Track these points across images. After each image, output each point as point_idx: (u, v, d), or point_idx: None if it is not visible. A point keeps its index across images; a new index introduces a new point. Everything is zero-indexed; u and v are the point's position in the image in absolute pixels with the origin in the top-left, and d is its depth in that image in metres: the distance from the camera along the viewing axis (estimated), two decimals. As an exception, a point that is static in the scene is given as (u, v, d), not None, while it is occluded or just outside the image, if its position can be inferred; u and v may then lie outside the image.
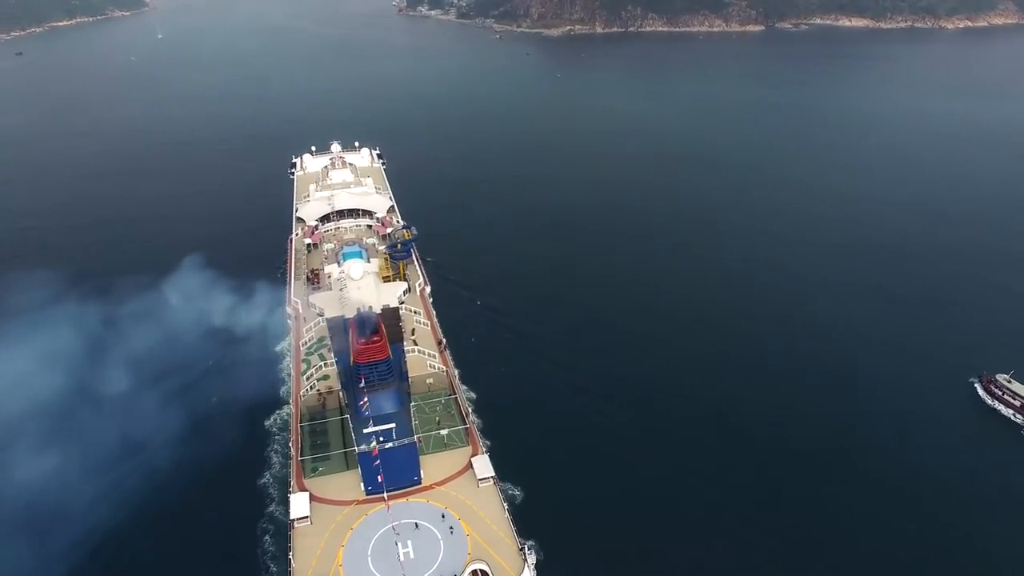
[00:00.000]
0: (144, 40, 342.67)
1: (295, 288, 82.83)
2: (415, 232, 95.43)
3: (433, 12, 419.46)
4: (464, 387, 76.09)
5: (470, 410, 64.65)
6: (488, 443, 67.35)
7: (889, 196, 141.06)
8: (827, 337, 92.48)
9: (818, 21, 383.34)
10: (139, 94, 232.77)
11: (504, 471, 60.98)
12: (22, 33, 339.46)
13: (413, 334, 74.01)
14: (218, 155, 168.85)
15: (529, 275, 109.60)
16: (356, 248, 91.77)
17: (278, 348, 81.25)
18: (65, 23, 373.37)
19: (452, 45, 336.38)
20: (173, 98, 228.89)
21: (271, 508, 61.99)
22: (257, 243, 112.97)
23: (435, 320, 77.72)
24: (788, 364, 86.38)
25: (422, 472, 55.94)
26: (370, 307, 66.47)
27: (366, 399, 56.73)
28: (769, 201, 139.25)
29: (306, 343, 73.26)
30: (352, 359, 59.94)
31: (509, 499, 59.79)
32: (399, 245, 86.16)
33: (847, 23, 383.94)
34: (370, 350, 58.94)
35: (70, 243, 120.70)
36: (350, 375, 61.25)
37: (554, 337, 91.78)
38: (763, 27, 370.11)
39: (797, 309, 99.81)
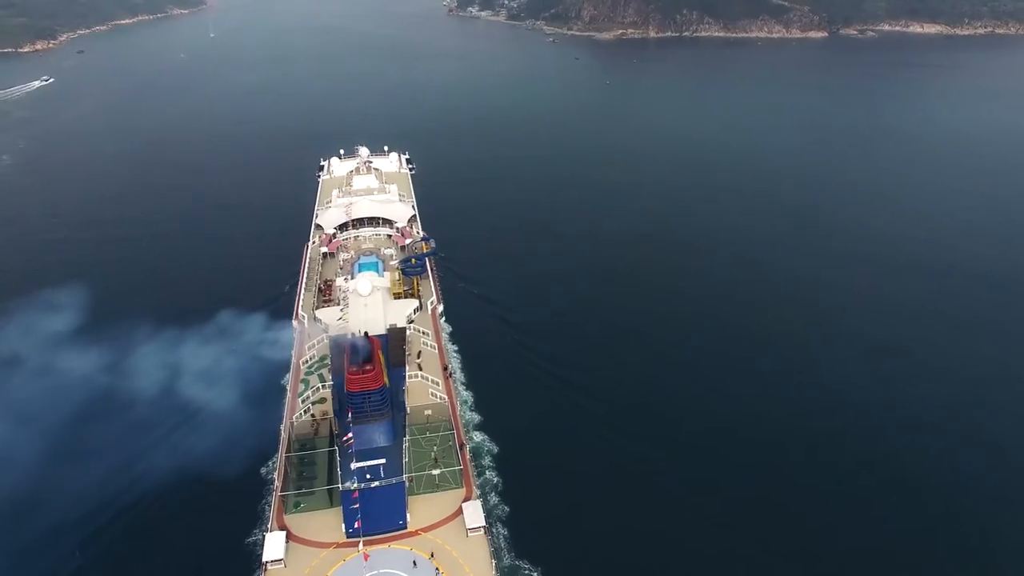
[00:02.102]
0: (197, 38, 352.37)
1: (303, 300, 79.96)
2: (434, 245, 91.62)
3: (483, 13, 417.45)
4: (476, 417, 71.92)
5: (468, 448, 59.96)
6: (496, 480, 63.53)
7: (971, 220, 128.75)
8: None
9: (886, 27, 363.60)
10: (178, 93, 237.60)
11: (504, 522, 57.70)
12: (87, 31, 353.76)
13: (419, 357, 69.96)
14: (251, 153, 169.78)
15: (567, 306, 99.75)
16: (373, 259, 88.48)
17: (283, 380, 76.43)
18: (127, 21, 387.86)
19: (499, 48, 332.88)
20: (214, 96, 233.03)
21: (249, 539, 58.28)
22: (278, 248, 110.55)
23: (443, 343, 73.53)
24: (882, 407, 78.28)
25: (408, 516, 51.73)
26: (364, 332, 62.23)
27: (350, 434, 52.67)
28: (834, 229, 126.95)
29: (307, 361, 70.11)
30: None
31: (499, 555, 54.69)
32: (414, 260, 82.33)
33: (918, 29, 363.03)
34: (362, 380, 54.91)
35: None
36: (343, 402, 57.45)
37: (588, 374, 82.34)
38: (826, 33, 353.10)
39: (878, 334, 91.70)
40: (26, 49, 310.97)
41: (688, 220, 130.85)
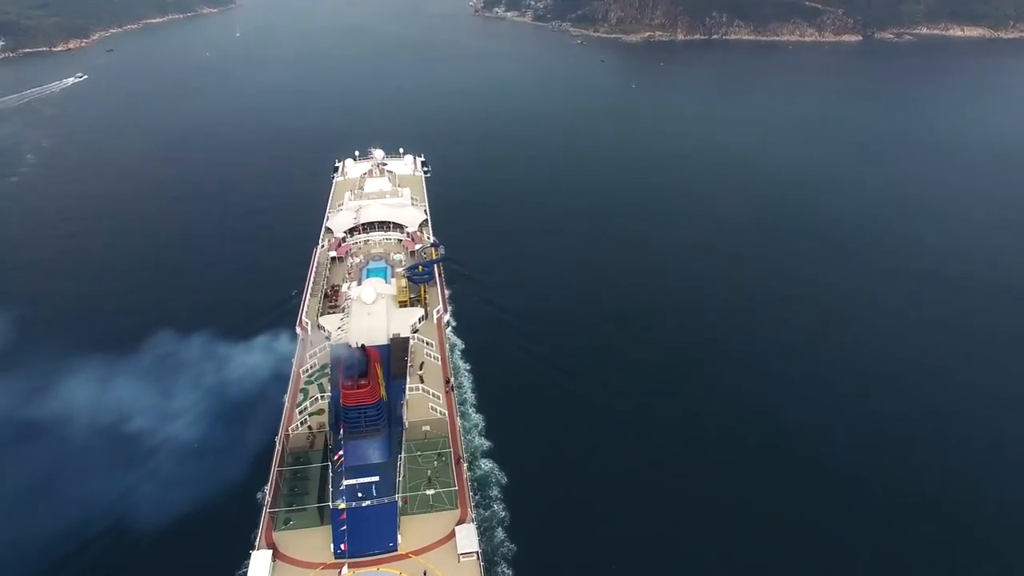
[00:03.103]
0: (223, 37, 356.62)
1: (308, 306, 78.62)
2: (443, 251, 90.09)
3: (509, 14, 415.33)
4: (485, 444, 67.69)
5: (467, 467, 57.68)
6: (504, 514, 59.26)
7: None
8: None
9: (924, 31, 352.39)
10: (200, 91, 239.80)
11: (508, 560, 54.97)
12: (119, 30, 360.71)
13: (421, 368, 68.02)
14: (269, 153, 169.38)
15: (590, 318, 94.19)
16: (382, 264, 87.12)
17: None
18: (158, 20, 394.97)
19: (523, 50, 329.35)
20: (236, 94, 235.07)
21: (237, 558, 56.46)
22: (291, 250, 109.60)
23: (447, 354, 71.37)
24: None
25: (400, 537, 49.77)
26: (361, 345, 60.29)
27: (341, 453, 50.82)
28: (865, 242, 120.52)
29: (307, 370, 68.62)
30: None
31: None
32: (421, 267, 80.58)
33: (959, 33, 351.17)
34: (358, 394, 53.05)
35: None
36: (339, 415, 55.65)
37: (614, 396, 76.47)
38: (860, 37, 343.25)
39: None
40: (59, 48, 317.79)
41: (716, 228, 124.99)
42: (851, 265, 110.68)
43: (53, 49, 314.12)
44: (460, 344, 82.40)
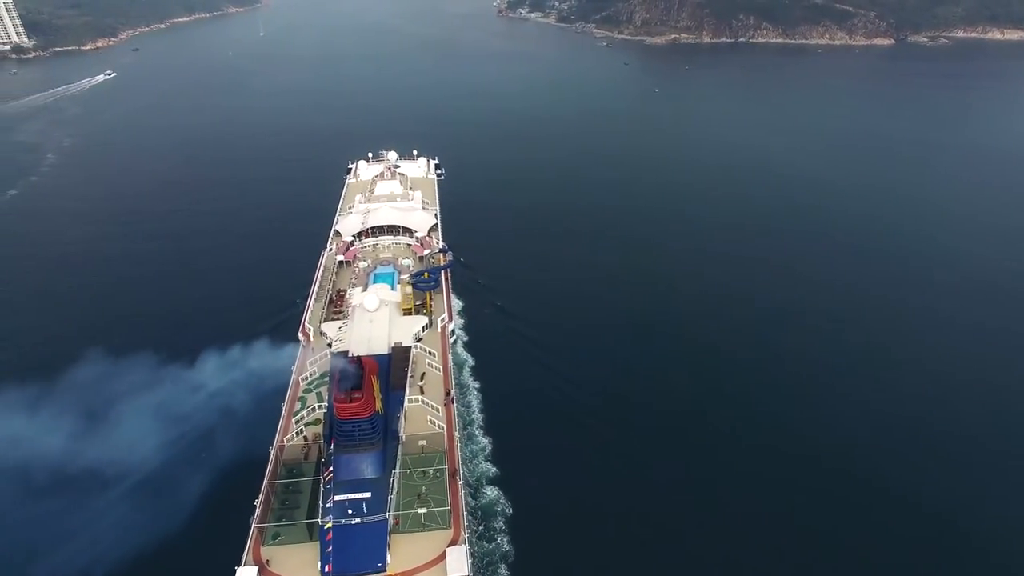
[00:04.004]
0: (247, 36, 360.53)
1: (312, 312, 77.26)
2: (451, 257, 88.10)
3: (533, 14, 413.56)
4: (491, 469, 64.64)
5: (462, 484, 55.64)
6: (507, 548, 56.45)
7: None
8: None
9: (960, 34, 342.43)
10: (220, 90, 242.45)
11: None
12: (146, 29, 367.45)
13: (422, 379, 66.11)
14: (285, 153, 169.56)
15: (607, 330, 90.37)
16: (390, 269, 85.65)
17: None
18: (185, 19, 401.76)
19: (546, 51, 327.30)
20: (255, 94, 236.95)
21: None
22: (301, 253, 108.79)
23: (450, 364, 69.39)
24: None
25: (389, 556, 47.96)
26: (357, 357, 58.45)
27: (331, 470, 49.19)
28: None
29: (307, 378, 67.24)
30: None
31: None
32: (427, 274, 78.73)
33: (998, 36, 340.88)
34: (351, 407, 51.39)
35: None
36: (333, 427, 54.05)
37: (634, 415, 72.70)
38: (892, 41, 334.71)
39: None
40: (88, 47, 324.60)
41: (738, 237, 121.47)
42: (893, 276, 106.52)
43: (82, 48, 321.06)
44: (470, 360, 79.59)
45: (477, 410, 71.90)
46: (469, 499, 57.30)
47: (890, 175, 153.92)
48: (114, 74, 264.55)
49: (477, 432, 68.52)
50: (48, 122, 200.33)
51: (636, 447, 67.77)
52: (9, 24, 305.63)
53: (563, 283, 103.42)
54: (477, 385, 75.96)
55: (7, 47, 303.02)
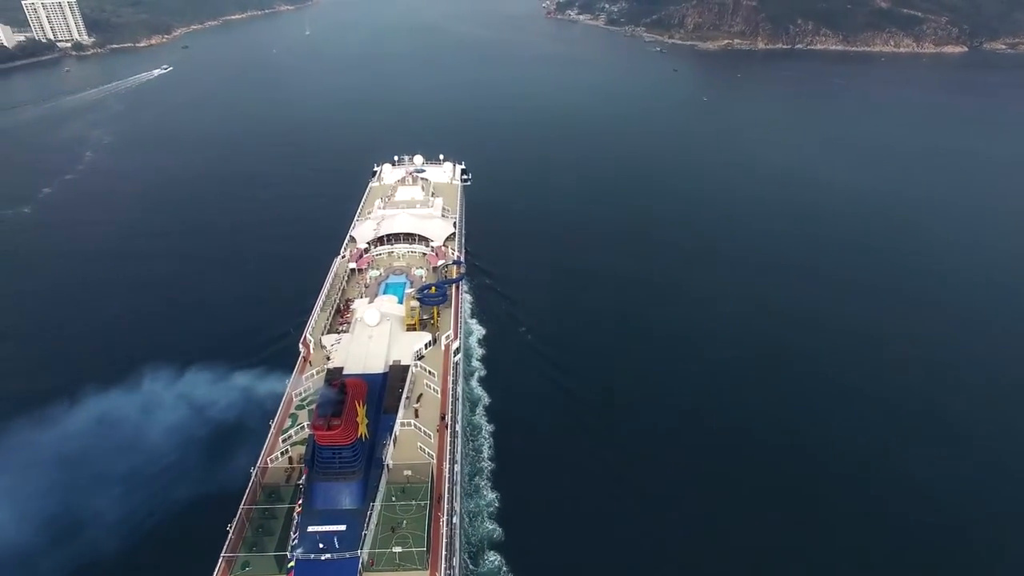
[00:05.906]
0: (294, 35, 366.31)
1: (316, 321, 74.53)
2: (463, 271, 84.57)
3: (582, 17, 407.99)
4: (489, 520, 59.15)
5: (444, 523, 51.58)
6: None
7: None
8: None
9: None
10: (262, 88, 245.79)
11: None
12: (200, 26, 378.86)
13: (418, 401, 62.30)
14: (317, 156, 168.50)
15: (633, 353, 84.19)
16: (402, 279, 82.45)
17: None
18: (238, 16, 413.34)
19: (593, 55, 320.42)
20: (296, 92, 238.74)
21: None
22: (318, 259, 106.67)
23: (450, 386, 65.44)
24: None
25: (358, 600, 44.37)
26: (340, 382, 54.60)
27: (300, 502, 45.91)
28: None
29: (300, 393, 64.21)
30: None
31: None
32: (433, 288, 75.13)
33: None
34: (328, 435, 48.01)
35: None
36: (314, 452, 50.79)
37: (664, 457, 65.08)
38: (965, 48, 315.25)
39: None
40: (142, 44, 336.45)
41: (784, 262, 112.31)
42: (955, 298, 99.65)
43: (136, 45, 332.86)
44: (485, 398, 74.10)
45: (487, 457, 65.43)
46: (467, 561, 52.42)
47: (969, 200, 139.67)
48: (170, 68, 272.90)
49: (484, 484, 62.03)
50: (92, 120, 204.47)
51: (676, 519, 58.78)
52: (72, 23, 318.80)
53: (600, 302, 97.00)
54: (491, 428, 69.77)
55: (68, 44, 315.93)
